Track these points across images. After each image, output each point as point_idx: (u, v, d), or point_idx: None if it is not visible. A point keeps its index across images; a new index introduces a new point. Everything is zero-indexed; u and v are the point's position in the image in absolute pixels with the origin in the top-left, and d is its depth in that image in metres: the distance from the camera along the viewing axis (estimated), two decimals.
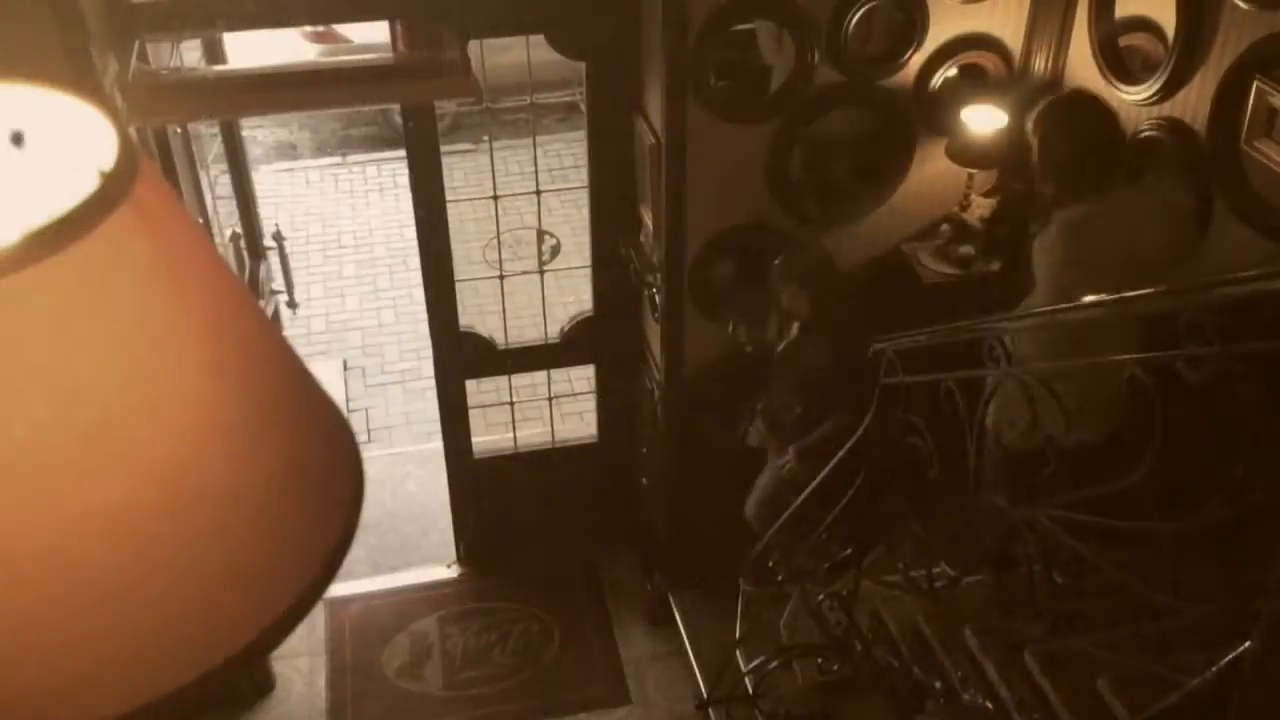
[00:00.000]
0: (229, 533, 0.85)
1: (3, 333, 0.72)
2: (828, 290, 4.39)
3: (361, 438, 6.70)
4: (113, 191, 0.75)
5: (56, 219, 0.72)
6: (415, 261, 5.29)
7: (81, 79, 3.72)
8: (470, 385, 5.58)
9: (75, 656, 0.79)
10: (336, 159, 10.11)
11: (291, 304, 6.06)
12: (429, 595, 5.90)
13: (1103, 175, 3.58)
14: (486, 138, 6.80)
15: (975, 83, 4.59)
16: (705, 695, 5.18)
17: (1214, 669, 2.54)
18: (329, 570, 0.92)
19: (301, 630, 5.58)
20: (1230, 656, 2.50)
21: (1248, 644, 2.21)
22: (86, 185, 0.75)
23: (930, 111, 4.59)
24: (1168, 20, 3.88)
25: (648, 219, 4.84)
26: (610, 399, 5.73)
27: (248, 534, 0.87)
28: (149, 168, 0.81)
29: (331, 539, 0.93)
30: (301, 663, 5.54)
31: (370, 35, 6.69)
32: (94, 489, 0.77)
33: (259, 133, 10.12)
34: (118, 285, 0.78)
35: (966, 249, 4.69)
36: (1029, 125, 3.85)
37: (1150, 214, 3.64)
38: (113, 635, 0.80)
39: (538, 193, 5.41)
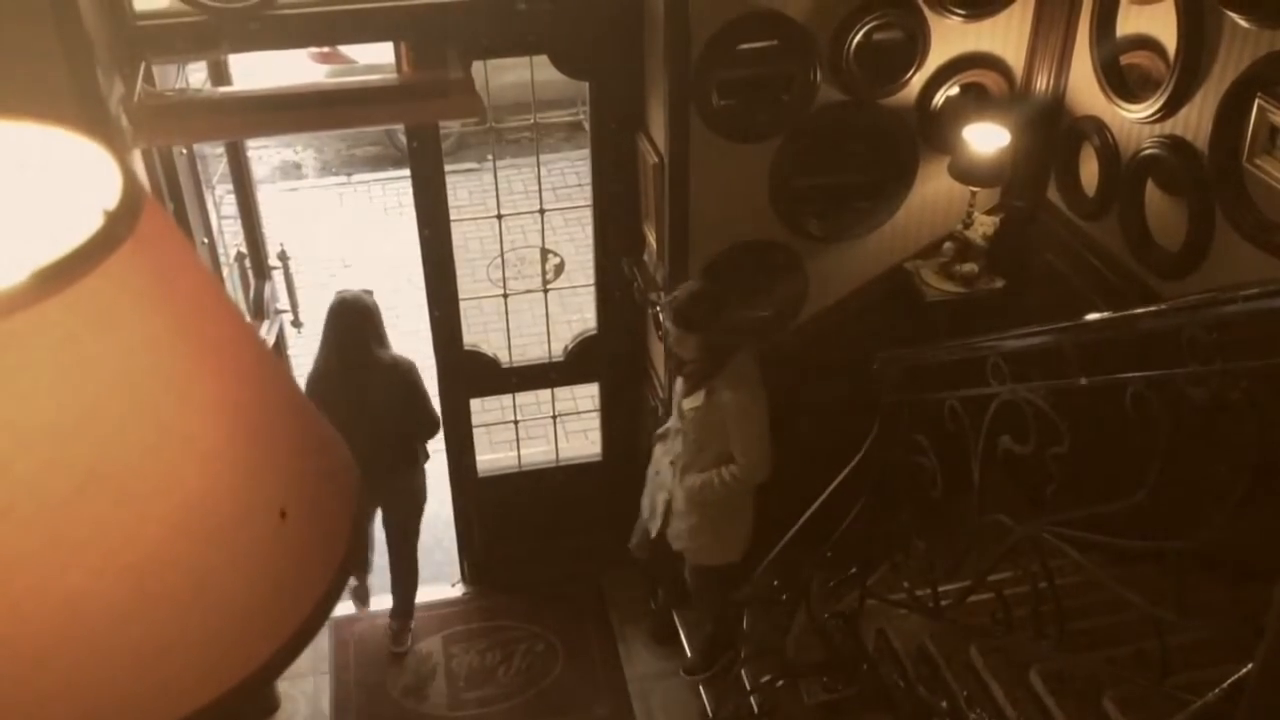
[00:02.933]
0: (233, 562, 0.86)
1: (6, 370, 0.73)
2: None
3: None
4: (116, 230, 0.76)
5: (60, 258, 0.73)
6: (419, 280, 5.30)
7: (87, 101, 3.74)
8: (474, 404, 5.58)
9: (84, 687, 0.79)
10: (341, 179, 10.15)
11: (296, 323, 6.07)
12: (433, 614, 5.89)
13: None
14: (490, 157, 6.84)
15: (977, 101, 4.61)
16: (711, 714, 5.17)
17: (1219, 689, 2.53)
18: (332, 594, 0.93)
19: (306, 650, 5.59)
20: (1235, 677, 2.50)
21: (1251, 665, 2.20)
22: (91, 223, 0.76)
23: (932, 130, 4.60)
24: (1169, 38, 3.89)
25: (651, 237, 4.85)
26: (614, 417, 5.73)
27: (252, 562, 0.87)
28: (153, 205, 0.81)
29: (333, 563, 0.94)
30: (306, 683, 5.53)
31: (375, 56, 6.73)
32: (96, 524, 0.78)
33: (264, 153, 10.16)
34: (121, 322, 0.79)
35: (969, 267, 4.69)
36: (664, 323, 4.45)
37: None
38: (117, 666, 0.81)
39: (541, 212, 5.42)
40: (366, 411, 4.97)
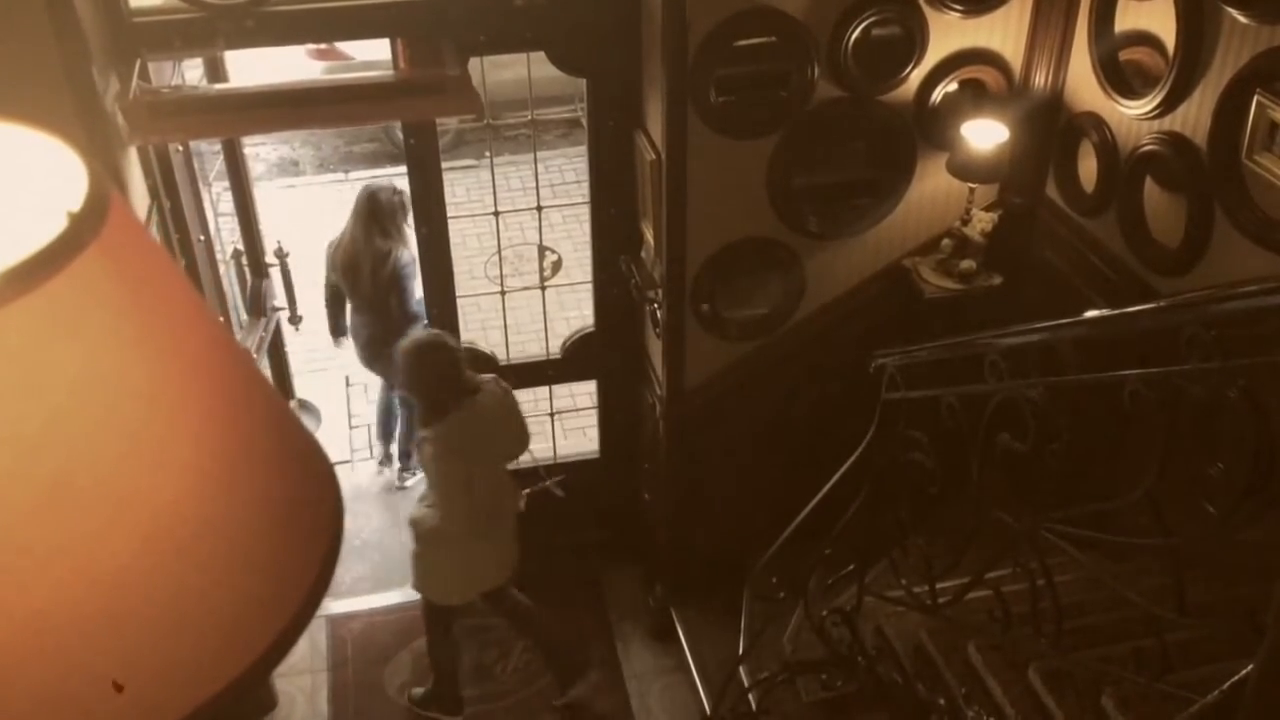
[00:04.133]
0: (208, 572, 0.84)
1: None
2: None
3: (364, 454, 6.69)
4: (80, 233, 0.75)
5: (22, 260, 0.72)
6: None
7: (82, 98, 3.73)
8: None
9: (55, 701, 0.78)
10: (339, 175, 10.12)
11: (294, 320, 6.07)
12: None
13: (454, 393, 4.48)
14: (488, 154, 6.82)
15: (975, 97, 4.59)
16: (709, 711, 5.16)
17: (1220, 689, 2.52)
18: (310, 604, 0.91)
19: (304, 647, 5.56)
20: (1237, 677, 2.48)
21: (1252, 665, 2.18)
22: (57, 226, 0.75)
23: (930, 126, 4.59)
24: (1168, 34, 3.88)
25: (649, 234, 4.84)
26: (612, 414, 5.72)
27: (228, 572, 0.86)
28: (121, 207, 0.80)
29: (312, 572, 0.93)
30: (304, 680, 5.52)
31: (373, 52, 6.71)
32: (65, 535, 0.76)
33: (261, 149, 10.13)
34: (87, 327, 0.77)
35: (968, 263, 4.68)
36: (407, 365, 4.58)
37: (496, 404, 4.64)
38: (91, 679, 0.79)
39: (539, 208, 5.41)
40: (360, 285, 5.85)
